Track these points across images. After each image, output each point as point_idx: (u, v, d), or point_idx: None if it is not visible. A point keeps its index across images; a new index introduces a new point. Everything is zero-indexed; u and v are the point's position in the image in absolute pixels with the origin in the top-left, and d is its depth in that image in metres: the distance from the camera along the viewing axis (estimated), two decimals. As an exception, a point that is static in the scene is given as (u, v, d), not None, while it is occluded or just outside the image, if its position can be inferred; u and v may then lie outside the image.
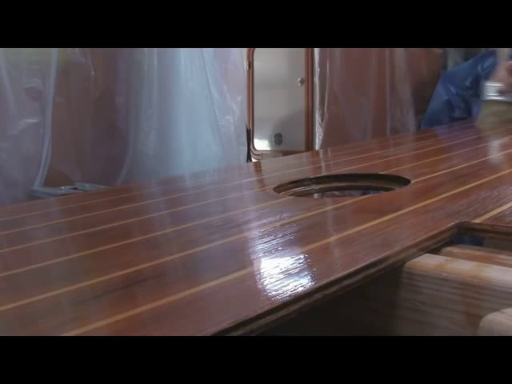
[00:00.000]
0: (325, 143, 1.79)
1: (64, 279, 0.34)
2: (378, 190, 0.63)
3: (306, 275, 0.30)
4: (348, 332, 0.37)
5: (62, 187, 1.16)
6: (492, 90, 1.19)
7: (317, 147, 1.80)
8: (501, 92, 1.16)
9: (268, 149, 2.01)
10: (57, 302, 0.29)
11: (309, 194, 0.65)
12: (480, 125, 1.21)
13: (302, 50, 1.87)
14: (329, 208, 0.49)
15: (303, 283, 0.29)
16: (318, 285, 0.29)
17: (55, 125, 1.22)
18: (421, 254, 0.35)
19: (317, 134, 1.83)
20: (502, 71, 1.19)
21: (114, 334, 0.24)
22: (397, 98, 1.73)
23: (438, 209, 0.44)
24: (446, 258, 0.35)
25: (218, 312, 0.26)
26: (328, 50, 1.77)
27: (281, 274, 0.30)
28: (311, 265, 0.32)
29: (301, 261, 0.33)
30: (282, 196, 0.57)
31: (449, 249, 0.37)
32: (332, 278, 0.29)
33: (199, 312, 0.26)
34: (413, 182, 0.57)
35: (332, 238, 0.38)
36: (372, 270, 0.32)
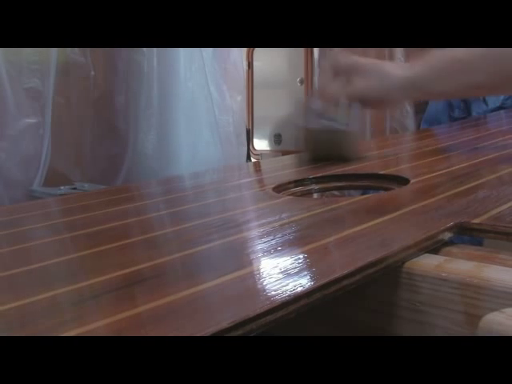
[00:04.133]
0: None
1: (63, 279, 0.34)
2: (377, 189, 0.63)
3: (305, 275, 0.30)
4: (347, 332, 0.37)
5: (62, 187, 1.16)
6: (313, 113, 0.75)
7: (316, 147, 1.80)
8: (323, 113, 0.74)
9: (267, 149, 2.01)
10: (56, 302, 0.29)
11: (308, 193, 0.65)
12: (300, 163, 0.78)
13: (301, 50, 1.87)
14: (328, 208, 0.49)
15: (302, 283, 0.29)
16: (317, 285, 0.29)
17: (55, 125, 1.22)
18: (420, 254, 0.35)
19: (316, 134, 1.83)
20: (322, 77, 0.82)
21: (113, 333, 0.24)
22: (396, 97, 1.73)
23: (438, 209, 0.44)
24: (445, 257, 0.35)
25: (218, 312, 0.26)
26: (327, 50, 1.77)
27: (280, 273, 0.30)
28: (310, 265, 0.32)
29: (300, 261, 0.33)
30: (281, 196, 0.57)
31: (448, 249, 0.37)
32: (331, 277, 0.29)
33: (199, 312, 0.26)
34: (412, 181, 0.57)
35: (331, 238, 0.38)
36: (371, 270, 0.32)
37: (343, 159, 0.74)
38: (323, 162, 0.75)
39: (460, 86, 0.66)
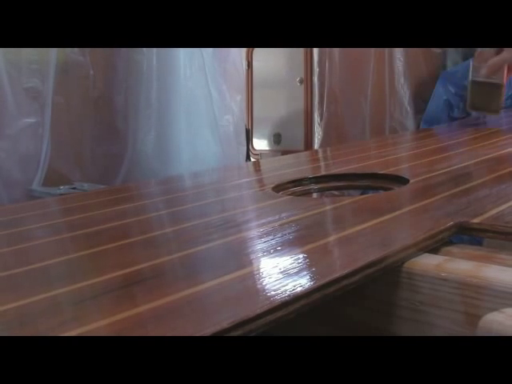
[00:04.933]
0: (324, 143, 1.79)
1: (63, 279, 0.34)
2: (376, 189, 0.63)
3: (304, 275, 0.30)
4: (347, 332, 0.37)
5: (61, 187, 1.15)
6: (479, 70, 1.07)
7: (316, 147, 1.80)
8: (488, 73, 1.05)
9: (267, 148, 2.01)
10: (56, 302, 0.29)
11: (307, 193, 0.65)
12: (470, 108, 1.11)
13: (300, 50, 1.87)
14: (328, 208, 0.49)
15: (302, 283, 0.29)
16: (317, 285, 0.29)
17: (54, 124, 1.22)
18: (420, 254, 0.35)
19: (316, 134, 1.83)
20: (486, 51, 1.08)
21: (113, 333, 0.24)
22: (396, 97, 1.73)
23: (437, 208, 0.44)
24: (445, 257, 0.35)
25: (217, 312, 0.26)
26: (327, 49, 1.77)
27: (280, 273, 0.30)
28: (310, 265, 0.32)
29: (300, 261, 0.33)
30: (280, 196, 0.57)
31: (448, 248, 0.37)
32: (331, 277, 0.29)
33: (198, 312, 0.26)
34: (412, 181, 0.57)
35: (331, 238, 0.38)
36: (371, 270, 0.32)
37: (495, 108, 1.04)
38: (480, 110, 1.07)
39: None
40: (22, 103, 1.18)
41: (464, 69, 1.77)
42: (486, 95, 1.07)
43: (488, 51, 1.03)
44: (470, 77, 1.06)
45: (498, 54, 1.01)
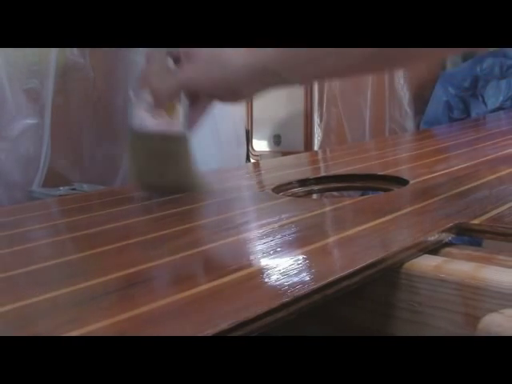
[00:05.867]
0: (323, 144, 1.79)
1: (63, 280, 0.34)
2: (376, 190, 0.63)
3: (304, 276, 0.30)
4: (346, 333, 0.37)
5: (61, 188, 1.15)
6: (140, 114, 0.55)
7: (315, 148, 1.81)
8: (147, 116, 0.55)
9: (267, 149, 2.01)
10: (56, 303, 0.29)
11: (307, 194, 0.65)
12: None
13: (300, 51, 1.87)
14: (327, 209, 0.49)
15: (302, 284, 0.29)
16: (316, 286, 0.29)
17: (54, 126, 1.22)
18: (419, 255, 0.35)
19: (315, 135, 1.83)
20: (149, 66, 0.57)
21: (113, 334, 0.24)
22: (395, 98, 1.74)
23: (437, 209, 0.44)
24: (444, 258, 0.35)
25: (217, 313, 0.26)
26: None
27: (280, 274, 0.30)
28: (310, 266, 0.32)
29: (300, 262, 0.33)
30: (280, 197, 0.57)
31: (447, 249, 0.37)
32: (331, 278, 0.29)
33: (198, 313, 0.26)
34: (411, 182, 0.57)
35: (331, 239, 0.38)
36: (371, 271, 0.32)
37: (181, 186, 0.58)
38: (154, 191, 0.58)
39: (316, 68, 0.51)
40: (22, 104, 1.18)
41: (464, 70, 1.78)
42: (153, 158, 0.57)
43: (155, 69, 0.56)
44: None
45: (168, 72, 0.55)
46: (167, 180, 0.57)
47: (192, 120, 0.58)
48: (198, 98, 0.56)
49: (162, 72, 0.54)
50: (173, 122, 0.56)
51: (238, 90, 0.54)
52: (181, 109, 0.56)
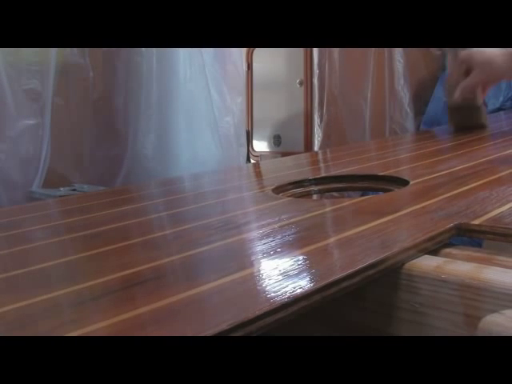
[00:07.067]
0: (324, 144, 1.79)
1: (63, 281, 0.34)
2: (376, 191, 0.63)
3: (304, 277, 0.30)
4: (347, 333, 0.37)
5: (61, 188, 1.16)
6: (453, 94, 1.05)
7: (316, 148, 1.81)
8: (461, 97, 1.03)
9: (267, 150, 2.01)
10: (56, 304, 0.29)
11: (307, 195, 0.65)
12: (454, 129, 1.10)
13: (300, 52, 1.87)
14: (328, 209, 0.49)
15: (302, 285, 0.29)
16: (316, 286, 0.29)
17: (54, 126, 1.22)
18: (420, 256, 0.35)
19: (316, 136, 1.84)
20: (453, 70, 1.06)
21: (113, 335, 0.24)
22: (396, 99, 1.74)
23: (437, 210, 0.44)
24: (444, 259, 0.35)
25: (217, 313, 0.26)
26: (327, 51, 1.77)
27: (280, 275, 0.30)
28: (310, 266, 0.32)
29: (300, 262, 0.33)
30: (280, 197, 0.57)
31: (448, 250, 0.37)
32: (331, 279, 0.29)
33: (198, 313, 0.26)
34: (412, 183, 0.57)
35: (331, 240, 0.38)
36: (371, 272, 0.32)
37: (481, 125, 1.07)
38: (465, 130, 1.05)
39: None
40: (22, 105, 1.18)
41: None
42: (466, 117, 1.08)
43: (458, 73, 1.02)
44: (446, 100, 1.08)
45: (466, 74, 1.00)
46: (470, 125, 1.07)
47: (480, 96, 1.03)
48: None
49: (460, 73, 1.02)
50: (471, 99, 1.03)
51: (503, 77, 1.06)
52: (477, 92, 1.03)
